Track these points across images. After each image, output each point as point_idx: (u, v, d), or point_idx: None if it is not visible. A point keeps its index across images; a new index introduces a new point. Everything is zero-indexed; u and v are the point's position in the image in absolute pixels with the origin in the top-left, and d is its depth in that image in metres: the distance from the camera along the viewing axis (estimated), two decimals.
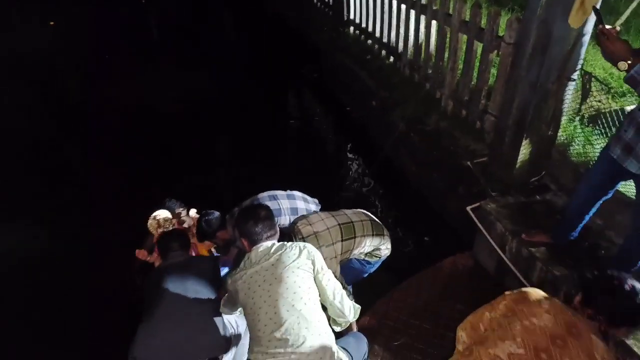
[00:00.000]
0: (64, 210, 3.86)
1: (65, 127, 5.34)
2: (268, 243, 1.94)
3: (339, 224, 2.37)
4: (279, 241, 2.01)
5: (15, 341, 2.85)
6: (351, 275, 2.59)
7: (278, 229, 2.03)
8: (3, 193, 4.09)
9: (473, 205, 2.94)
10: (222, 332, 2.11)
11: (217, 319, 2.13)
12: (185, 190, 3.34)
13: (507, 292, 1.42)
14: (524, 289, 1.41)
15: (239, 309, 2.12)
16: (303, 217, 2.42)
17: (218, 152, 4.61)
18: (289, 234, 2.32)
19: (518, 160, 2.86)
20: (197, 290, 2.17)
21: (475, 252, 3.06)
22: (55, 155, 4.75)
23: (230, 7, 10.03)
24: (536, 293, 1.38)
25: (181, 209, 3.15)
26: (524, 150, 2.84)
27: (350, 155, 4.56)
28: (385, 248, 2.55)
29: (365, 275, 2.67)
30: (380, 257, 2.58)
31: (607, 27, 1.79)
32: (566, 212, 2.45)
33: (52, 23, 8.88)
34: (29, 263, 3.39)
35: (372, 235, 2.45)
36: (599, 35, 1.82)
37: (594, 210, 2.28)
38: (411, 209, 3.75)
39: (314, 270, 1.90)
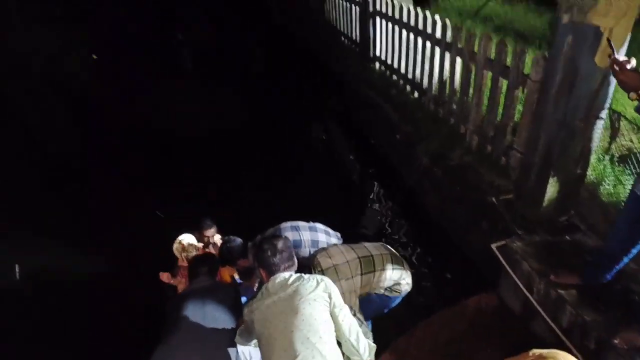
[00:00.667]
0: (71, 219, 4.02)
1: (85, 136, 5.60)
2: (285, 274, 1.95)
3: (358, 257, 2.35)
4: (297, 273, 2.01)
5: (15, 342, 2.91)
6: (371, 310, 2.54)
7: (296, 260, 2.04)
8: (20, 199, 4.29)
9: (498, 243, 2.87)
10: None
11: (231, 350, 2.12)
12: (206, 213, 3.38)
13: (535, 349, 1.36)
14: (554, 350, 1.36)
15: (254, 341, 2.11)
16: (323, 249, 2.42)
17: (240, 178, 4.67)
18: (308, 267, 2.31)
19: (545, 198, 2.80)
20: (216, 317, 2.18)
21: (500, 291, 2.96)
22: (68, 164, 4.99)
23: (263, 40, 10.48)
24: (568, 356, 1.32)
25: (213, 229, 3.25)
26: (551, 188, 2.78)
27: (373, 188, 4.56)
28: (405, 283, 2.50)
29: (386, 310, 2.62)
30: (400, 293, 2.53)
31: (620, 57, 1.80)
32: (600, 253, 2.36)
33: (94, 57, 9.46)
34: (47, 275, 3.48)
35: (392, 269, 2.41)
36: (611, 66, 1.82)
37: (634, 252, 2.17)
38: (434, 244, 3.68)
39: (330, 304, 1.89)
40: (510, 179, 3.20)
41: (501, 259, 2.80)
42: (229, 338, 2.16)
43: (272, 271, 1.96)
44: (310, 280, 1.90)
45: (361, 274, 2.31)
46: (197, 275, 2.50)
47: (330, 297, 1.89)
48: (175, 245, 3.17)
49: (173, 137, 5.64)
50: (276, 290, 1.89)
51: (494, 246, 2.86)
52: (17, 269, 3.56)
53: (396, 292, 2.52)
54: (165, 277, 3.07)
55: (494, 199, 3.14)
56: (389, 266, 2.42)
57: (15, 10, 13.23)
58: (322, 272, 2.28)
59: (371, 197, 4.44)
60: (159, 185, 4.59)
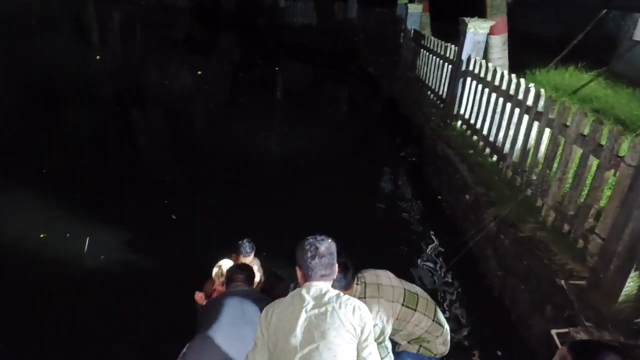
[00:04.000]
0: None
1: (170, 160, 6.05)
2: (322, 285, 1.82)
3: (404, 288, 2.28)
4: (340, 272, 1.94)
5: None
6: None
7: (336, 270, 1.91)
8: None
9: (560, 330, 2.61)
10: None
11: None
12: (251, 237, 3.28)
13: None
14: None
15: None
16: (371, 269, 2.37)
17: (301, 214, 4.61)
18: (353, 274, 2.25)
19: (622, 293, 2.52)
20: (254, 320, 2.19)
21: None
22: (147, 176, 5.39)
23: (350, 84, 10.96)
24: None
25: (251, 257, 3.14)
26: (632, 284, 2.50)
27: (431, 244, 4.40)
28: (441, 343, 2.35)
29: None
30: (435, 355, 2.38)
31: None
32: None
33: (200, 72, 10.52)
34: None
35: (432, 320, 2.30)
36: None
37: None
38: (487, 315, 3.44)
39: (361, 337, 1.76)
40: (585, 265, 2.94)
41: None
42: None
43: (308, 275, 1.82)
44: (348, 305, 1.76)
45: (402, 304, 2.22)
46: (234, 280, 2.53)
47: (362, 331, 1.76)
48: (215, 270, 3.10)
49: (247, 157, 6.01)
50: (307, 301, 1.77)
51: (554, 332, 2.60)
52: (87, 242, 3.88)
53: (430, 352, 2.37)
54: (199, 297, 2.94)
55: (563, 282, 2.89)
56: (430, 315, 2.30)
57: (141, 36, 15.41)
58: (365, 285, 2.22)
59: (428, 251, 4.28)
60: (230, 203, 4.82)
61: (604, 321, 2.57)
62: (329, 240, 1.90)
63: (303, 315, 1.74)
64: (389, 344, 2.24)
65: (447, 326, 2.38)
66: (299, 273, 1.88)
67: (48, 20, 16.61)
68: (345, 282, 2.17)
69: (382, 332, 2.18)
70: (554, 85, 6.38)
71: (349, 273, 2.22)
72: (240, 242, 3.12)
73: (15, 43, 12.31)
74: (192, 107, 8.58)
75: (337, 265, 1.90)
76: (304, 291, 1.81)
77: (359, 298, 2.23)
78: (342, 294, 1.82)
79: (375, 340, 2.12)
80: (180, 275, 3.50)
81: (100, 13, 19.59)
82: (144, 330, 3.05)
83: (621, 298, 2.54)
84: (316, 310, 1.75)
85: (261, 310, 2.29)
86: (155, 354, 2.78)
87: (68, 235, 4.01)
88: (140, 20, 19.16)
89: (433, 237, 4.52)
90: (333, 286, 2.02)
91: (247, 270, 2.67)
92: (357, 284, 2.27)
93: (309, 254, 1.82)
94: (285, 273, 3.31)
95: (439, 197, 5.10)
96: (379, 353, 2.16)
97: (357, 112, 9.16)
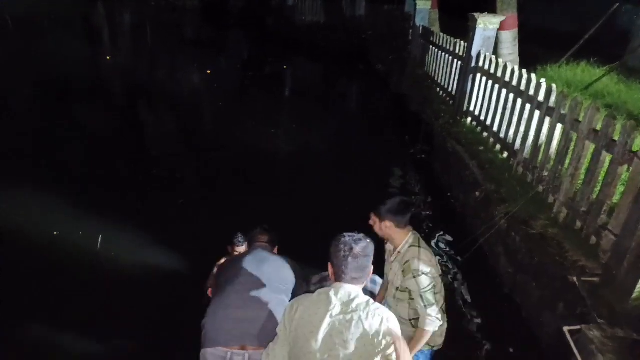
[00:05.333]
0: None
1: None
2: (352, 289, 1.70)
3: (439, 268, 2.30)
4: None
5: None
6: None
7: (370, 272, 1.78)
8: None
9: (572, 327, 2.59)
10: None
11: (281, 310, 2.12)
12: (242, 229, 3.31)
13: None
14: None
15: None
16: None
17: (310, 210, 4.63)
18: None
19: (636, 290, 2.49)
20: (271, 278, 2.22)
21: None
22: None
23: (359, 83, 10.95)
24: None
25: (243, 242, 3.15)
26: None
27: (440, 241, 4.38)
28: (439, 335, 2.37)
29: None
30: (432, 347, 2.38)
31: None
32: None
33: (208, 72, 10.58)
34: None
35: (443, 313, 2.30)
36: None
37: None
38: (498, 314, 3.42)
39: (387, 351, 1.67)
40: (598, 261, 2.91)
41: (573, 345, 2.51)
42: (282, 300, 2.18)
43: (338, 275, 1.70)
44: (376, 316, 1.65)
45: (439, 274, 2.24)
46: (256, 240, 2.52)
47: (387, 346, 1.65)
48: (215, 270, 3.06)
49: (256, 153, 6.02)
50: (334, 304, 1.67)
51: (566, 329, 2.58)
52: (100, 240, 3.93)
53: (427, 344, 2.36)
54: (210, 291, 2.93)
55: (575, 279, 2.86)
56: (441, 302, 2.30)
57: (150, 36, 15.55)
58: (418, 238, 2.24)
59: (437, 249, 4.26)
60: (239, 202, 4.84)
61: (617, 318, 2.54)
62: (367, 241, 1.75)
63: (327, 320, 1.66)
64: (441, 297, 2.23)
65: (446, 319, 2.38)
66: (330, 270, 1.77)
67: (59, 21, 16.79)
68: (405, 220, 2.23)
69: (435, 284, 2.17)
70: (566, 81, 6.30)
71: (408, 214, 2.24)
72: (233, 233, 3.25)
73: (29, 44, 12.48)
74: (202, 106, 8.64)
75: (371, 268, 1.77)
76: (332, 292, 1.71)
77: (411, 246, 2.22)
78: (371, 301, 1.70)
79: (431, 289, 2.14)
80: (192, 272, 3.54)
81: (109, 14, 19.77)
82: (153, 326, 3.10)
83: (634, 295, 2.51)
84: (341, 317, 1.65)
85: (279, 265, 2.30)
86: (164, 350, 2.83)
87: (80, 232, 4.06)
88: (149, 20, 19.31)
89: (443, 234, 4.50)
90: (397, 220, 2.11)
91: (271, 233, 2.64)
92: (412, 232, 2.28)
93: (342, 253, 1.70)
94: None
95: (449, 194, 5.08)
96: (437, 300, 2.16)
97: (366, 109, 9.16)
